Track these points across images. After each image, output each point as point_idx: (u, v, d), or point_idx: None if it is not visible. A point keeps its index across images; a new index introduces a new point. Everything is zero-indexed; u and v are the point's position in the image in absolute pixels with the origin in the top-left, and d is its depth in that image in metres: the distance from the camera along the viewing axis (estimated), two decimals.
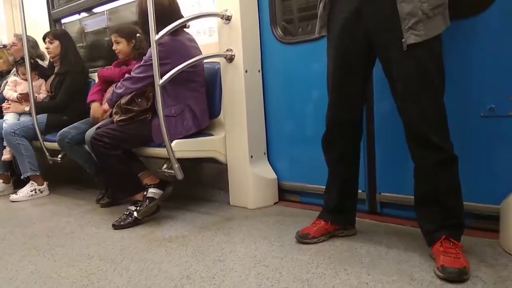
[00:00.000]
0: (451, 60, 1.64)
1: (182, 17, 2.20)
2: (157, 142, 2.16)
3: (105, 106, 2.48)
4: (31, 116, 2.93)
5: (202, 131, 2.34)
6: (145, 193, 2.20)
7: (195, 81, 2.27)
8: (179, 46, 2.17)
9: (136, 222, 2.14)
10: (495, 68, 1.64)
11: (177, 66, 2.08)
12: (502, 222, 1.58)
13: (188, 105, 2.22)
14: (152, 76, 2.02)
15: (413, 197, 1.56)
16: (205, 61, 2.33)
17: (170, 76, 2.05)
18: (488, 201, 1.68)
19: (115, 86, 2.28)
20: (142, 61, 2.17)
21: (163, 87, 2.07)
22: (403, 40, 1.39)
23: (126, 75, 2.26)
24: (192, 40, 2.29)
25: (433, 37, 1.40)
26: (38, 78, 3.21)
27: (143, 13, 2.07)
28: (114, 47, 2.58)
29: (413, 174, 1.53)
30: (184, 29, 2.27)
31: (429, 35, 1.39)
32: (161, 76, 2.02)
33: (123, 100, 2.23)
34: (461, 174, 1.46)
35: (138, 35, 2.56)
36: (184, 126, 2.20)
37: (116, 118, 2.21)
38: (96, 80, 2.79)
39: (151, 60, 2.00)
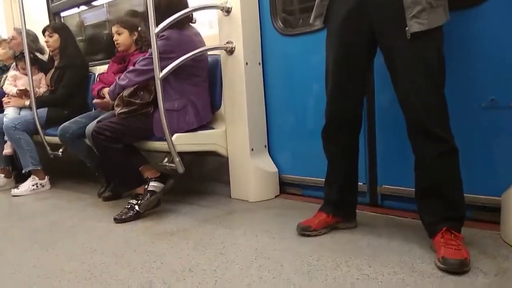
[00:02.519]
0: (453, 52, 1.62)
1: None
2: (158, 135, 2.16)
3: (107, 96, 2.47)
4: (31, 110, 2.92)
5: (203, 125, 2.33)
6: (146, 186, 2.19)
7: (199, 76, 2.26)
8: (185, 40, 2.15)
9: (137, 216, 2.14)
10: (496, 60, 1.62)
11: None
12: (503, 213, 1.58)
13: (191, 100, 2.21)
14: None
15: (413, 189, 1.56)
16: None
17: (170, 69, 2.04)
18: (489, 193, 1.68)
19: (118, 78, 2.27)
20: (147, 54, 2.15)
21: (167, 80, 2.06)
22: (406, 28, 1.39)
23: (130, 67, 2.25)
24: (198, 35, 2.28)
25: (435, 28, 1.41)
26: (38, 72, 3.20)
27: None
28: (115, 38, 2.54)
29: (414, 166, 1.53)
30: (190, 23, 2.24)
31: (432, 25, 1.39)
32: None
33: (125, 93, 2.21)
34: (462, 166, 1.46)
35: (140, 28, 2.54)
36: (186, 121, 2.20)
37: (118, 110, 2.20)
38: (96, 74, 2.78)
39: None
